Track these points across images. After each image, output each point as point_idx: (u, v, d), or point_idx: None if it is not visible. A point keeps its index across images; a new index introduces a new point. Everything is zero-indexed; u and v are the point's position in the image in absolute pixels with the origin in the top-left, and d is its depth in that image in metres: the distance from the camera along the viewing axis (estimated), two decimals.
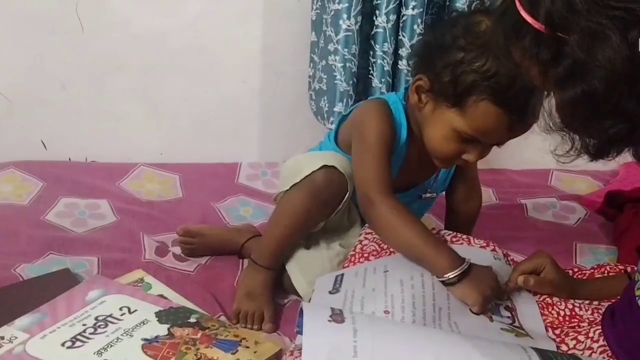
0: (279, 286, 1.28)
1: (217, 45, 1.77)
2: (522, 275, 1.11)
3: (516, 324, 1.05)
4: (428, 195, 1.33)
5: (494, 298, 1.08)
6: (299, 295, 1.26)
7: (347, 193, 1.22)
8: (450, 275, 1.07)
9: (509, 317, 1.07)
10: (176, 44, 1.78)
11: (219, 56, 1.72)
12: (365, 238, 1.25)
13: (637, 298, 0.92)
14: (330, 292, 1.11)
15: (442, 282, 1.09)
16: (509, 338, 0.99)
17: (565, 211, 1.74)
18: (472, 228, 1.41)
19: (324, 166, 1.20)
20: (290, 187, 1.22)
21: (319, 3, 1.66)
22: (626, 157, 1.99)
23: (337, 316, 0.90)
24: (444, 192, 1.40)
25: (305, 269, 1.26)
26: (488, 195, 1.81)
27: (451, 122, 1.13)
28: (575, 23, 0.70)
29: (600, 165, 1.95)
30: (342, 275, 1.16)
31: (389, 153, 1.20)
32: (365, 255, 1.21)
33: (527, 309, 1.09)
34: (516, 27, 0.76)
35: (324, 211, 1.23)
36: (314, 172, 1.19)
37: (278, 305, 1.26)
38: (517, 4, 0.75)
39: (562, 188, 1.89)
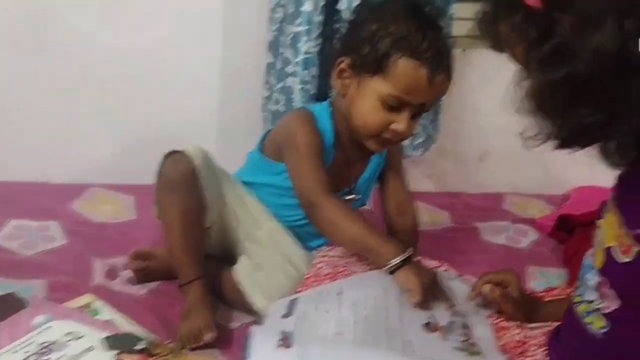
0: (229, 307, 1.28)
1: (177, 66, 1.76)
2: (488, 284, 1.12)
3: (471, 341, 1.05)
4: (352, 197, 1.35)
5: (432, 291, 1.12)
6: (252, 313, 1.25)
7: (199, 171, 1.23)
8: (395, 260, 1.13)
9: (463, 334, 1.07)
10: (136, 65, 1.77)
11: (178, 76, 1.72)
12: (320, 261, 1.25)
13: (575, 305, 0.94)
14: (282, 317, 1.10)
15: (388, 270, 1.13)
16: (462, 357, 0.99)
17: (518, 234, 1.77)
18: (416, 245, 1.41)
19: (167, 155, 1.24)
20: (156, 195, 1.25)
21: (277, 25, 1.66)
22: (578, 181, 2.03)
23: (285, 341, 0.90)
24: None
25: (262, 286, 1.26)
26: (444, 218, 1.83)
27: (376, 89, 1.19)
28: (574, 3, 0.70)
29: (553, 189, 2.00)
30: (296, 299, 1.15)
31: (320, 156, 1.25)
32: (321, 278, 1.20)
33: (482, 330, 1.09)
34: (510, 2, 0.76)
35: (189, 196, 1.23)
36: (159, 165, 1.24)
37: (227, 328, 1.25)
38: None
39: (516, 211, 1.92)
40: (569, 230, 1.71)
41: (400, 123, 1.20)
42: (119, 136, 1.84)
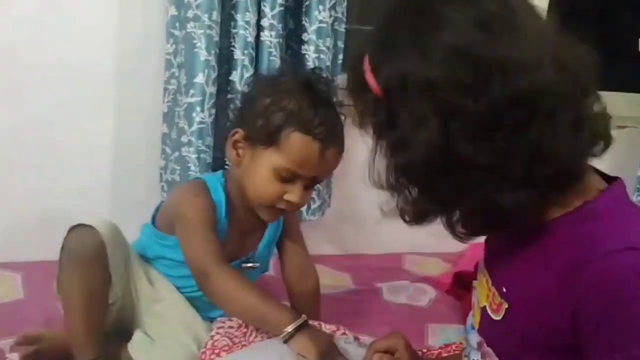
0: None
1: (68, 139, 1.72)
2: (377, 354, 1.12)
3: None
4: (250, 265, 1.35)
5: (329, 357, 1.11)
6: None
7: (106, 247, 1.20)
8: (289, 328, 1.12)
9: None
10: (25, 138, 1.72)
11: (69, 150, 1.68)
12: (217, 332, 1.23)
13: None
14: None
15: (283, 339, 1.12)
16: None
17: (418, 293, 1.81)
18: (318, 309, 1.43)
19: (72, 228, 1.20)
20: (59, 269, 1.21)
21: (171, 96, 1.68)
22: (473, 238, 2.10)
23: None
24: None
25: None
26: (345, 282, 1.85)
27: (269, 161, 1.21)
28: (405, 101, 0.74)
29: (449, 247, 2.06)
30: None
31: (211, 227, 1.25)
32: (217, 350, 1.18)
33: None
34: (361, 84, 0.79)
35: (95, 272, 1.20)
36: (65, 238, 1.20)
37: None
38: (366, 63, 0.78)
39: (415, 270, 1.96)
40: (465, 287, 1.76)
41: (293, 194, 1.22)
42: (4, 212, 1.76)
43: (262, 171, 1.22)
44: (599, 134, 0.77)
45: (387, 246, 2.06)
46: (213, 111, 1.65)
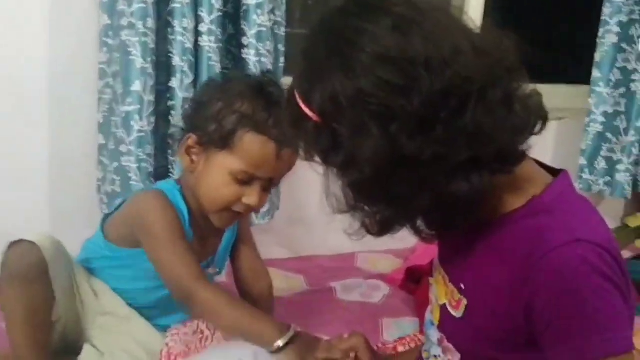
0: None
1: (0, 152, 1.67)
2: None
3: None
4: (210, 270, 1.34)
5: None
6: None
7: (48, 263, 1.17)
8: (280, 342, 1.10)
9: None
10: None
11: (2, 163, 1.64)
12: (172, 339, 1.21)
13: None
14: None
15: (272, 351, 1.10)
16: None
17: (371, 290, 1.81)
18: (272, 311, 1.42)
19: (12, 243, 1.17)
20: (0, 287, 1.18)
21: (106, 106, 1.65)
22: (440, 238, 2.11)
23: None
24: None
25: None
26: (299, 283, 1.84)
27: (224, 164, 1.19)
28: (342, 118, 0.75)
29: (400, 244, 2.08)
30: None
31: (182, 237, 1.22)
32: (173, 357, 1.16)
33: None
34: (299, 117, 0.80)
35: (37, 289, 1.17)
36: (4, 254, 1.17)
37: None
38: (297, 96, 0.80)
39: (367, 268, 1.97)
40: (417, 281, 1.78)
41: (251, 197, 1.21)
42: None
43: (218, 175, 1.21)
44: (532, 110, 0.79)
45: (339, 246, 2.06)
46: (152, 119, 1.63)
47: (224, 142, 1.19)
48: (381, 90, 0.73)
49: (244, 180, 1.20)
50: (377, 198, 0.79)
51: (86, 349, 1.25)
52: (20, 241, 1.17)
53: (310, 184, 2.13)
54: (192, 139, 1.23)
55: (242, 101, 1.19)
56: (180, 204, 1.26)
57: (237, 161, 1.19)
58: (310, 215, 2.06)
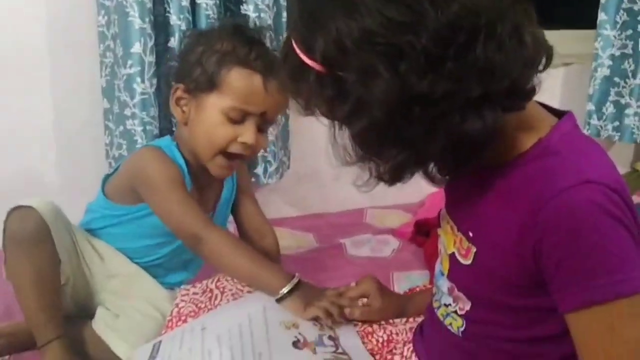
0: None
1: (4, 121, 1.67)
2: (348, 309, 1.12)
3: (339, 350, 1.06)
4: None
5: (322, 309, 1.11)
6: None
7: (49, 225, 1.19)
8: (284, 289, 1.12)
9: (332, 345, 1.07)
10: None
11: (8, 132, 1.64)
12: (182, 300, 1.22)
13: (435, 309, 0.97)
14: None
15: (277, 298, 1.13)
16: None
17: (381, 244, 1.82)
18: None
19: (12, 210, 1.19)
20: (5, 255, 1.20)
21: (108, 69, 1.63)
22: (431, 188, 2.14)
23: None
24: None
25: (124, 334, 1.21)
26: (308, 241, 1.85)
27: (215, 105, 1.20)
28: (349, 62, 0.73)
29: (408, 198, 2.08)
30: (160, 342, 1.11)
31: (184, 187, 1.24)
32: (183, 317, 1.17)
33: (349, 338, 1.10)
34: (300, 69, 0.77)
35: (41, 252, 1.18)
36: (5, 221, 1.19)
37: None
38: (296, 47, 0.77)
39: (376, 224, 1.98)
40: (426, 234, 1.79)
41: (246, 135, 1.21)
42: None
43: (210, 117, 1.21)
44: (541, 42, 0.77)
45: (347, 203, 2.07)
46: (154, 81, 1.62)
47: (211, 83, 1.19)
48: (387, 28, 0.71)
49: (237, 118, 1.20)
50: (389, 143, 0.76)
51: (100, 312, 1.27)
52: (19, 207, 1.19)
53: (317, 142, 2.14)
54: (179, 89, 1.24)
55: (221, 41, 1.20)
56: (177, 158, 1.27)
57: (226, 99, 1.19)
58: (318, 173, 2.06)
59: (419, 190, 2.05)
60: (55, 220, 1.20)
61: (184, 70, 1.24)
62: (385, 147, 0.77)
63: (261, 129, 1.24)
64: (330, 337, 1.10)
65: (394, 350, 1.07)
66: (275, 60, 1.21)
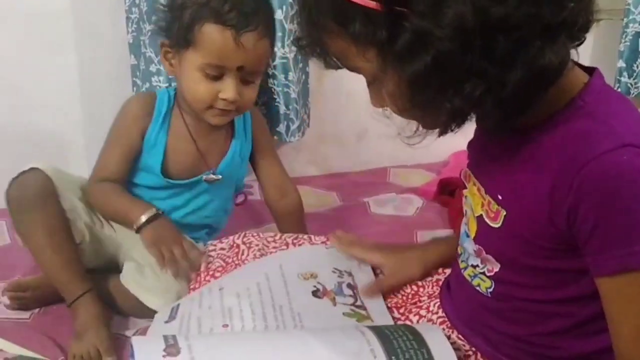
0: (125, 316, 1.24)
1: (30, 80, 1.68)
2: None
3: (358, 302, 1.06)
4: (212, 177, 1.34)
5: (170, 242, 1.22)
6: (150, 316, 1.19)
7: (54, 183, 1.22)
8: (143, 218, 1.24)
9: (351, 295, 1.07)
10: None
11: (33, 91, 1.65)
12: (209, 255, 1.23)
13: (461, 270, 0.97)
14: (165, 322, 1.07)
15: (136, 229, 1.24)
16: (351, 323, 1.00)
17: (405, 203, 1.82)
18: (304, 225, 1.44)
19: (14, 179, 1.23)
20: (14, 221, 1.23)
21: (134, 25, 1.63)
22: (454, 147, 2.12)
23: (171, 348, 0.84)
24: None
25: (152, 285, 1.23)
26: (331, 200, 1.86)
27: (192, 62, 1.21)
28: None
29: (431, 158, 2.07)
30: (178, 305, 1.12)
31: (122, 145, 1.30)
32: (211, 272, 1.18)
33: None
34: (341, 14, 0.73)
35: (51, 210, 1.21)
36: (7, 190, 1.22)
37: (123, 337, 1.20)
38: None
39: (400, 183, 1.98)
40: (450, 193, 1.78)
41: (226, 90, 1.21)
42: None
43: (189, 74, 1.22)
44: None
45: (370, 162, 2.07)
46: None
47: (187, 39, 1.20)
48: None
49: (215, 74, 1.21)
50: (464, 76, 0.70)
51: (127, 266, 1.28)
52: (21, 173, 1.22)
53: (339, 99, 2.13)
54: (165, 43, 1.25)
55: None
56: (162, 107, 1.30)
57: (201, 55, 1.19)
58: (341, 132, 2.05)
59: (443, 150, 2.04)
60: (60, 178, 1.23)
61: (167, 25, 1.25)
62: (453, 83, 0.71)
63: (246, 81, 1.24)
64: (349, 285, 1.09)
65: (419, 304, 1.07)
66: (254, 10, 1.20)
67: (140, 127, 1.30)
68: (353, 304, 1.05)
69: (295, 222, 1.42)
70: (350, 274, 1.11)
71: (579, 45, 0.76)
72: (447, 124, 0.77)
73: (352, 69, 0.80)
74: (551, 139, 0.78)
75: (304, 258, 1.16)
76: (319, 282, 1.08)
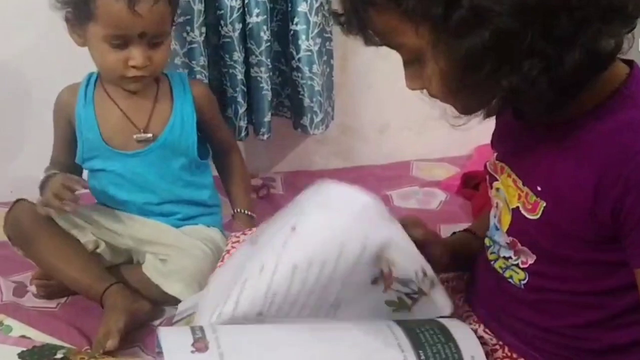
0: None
1: (60, 71, 1.68)
2: None
3: (414, 296, 0.93)
4: (142, 136, 1.33)
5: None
6: (174, 304, 1.22)
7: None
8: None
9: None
10: (13, 73, 1.70)
11: (63, 82, 1.66)
12: (232, 246, 1.22)
13: (491, 262, 0.96)
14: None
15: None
16: (385, 313, 0.93)
17: (428, 197, 1.82)
18: (248, 187, 1.52)
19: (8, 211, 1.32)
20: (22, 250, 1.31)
21: None
22: (478, 140, 2.10)
23: (199, 343, 0.82)
24: None
25: (174, 272, 1.26)
26: None
27: (95, 34, 1.23)
28: None
29: (455, 151, 2.06)
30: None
31: (57, 133, 1.37)
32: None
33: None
34: None
35: (45, 232, 1.26)
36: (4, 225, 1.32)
37: (151, 325, 1.22)
38: None
39: (423, 176, 1.97)
40: (474, 186, 1.77)
41: (134, 58, 1.23)
42: (6, 152, 1.78)
43: (96, 45, 1.24)
44: None
45: (392, 155, 2.06)
46: (203, 29, 1.61)
47: (87, 13, 1.21)
48: None
49: (118, 44, 1.22)
50: (515, 58, 0.69)
51: (148, 256, 1.32)
52: (10, 207, 1.31)
53: (361, 92, 2.12)
54: (69, 18, 1.25)
55: None
56: (84, 85, 1.34)
57: (101, 27, 1.21)
58: (363, 126, 2.05)
59: (466, 143, 2.03)
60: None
61: None
62: (509, 61, 0.70)
63: (153, 44, 1.25)
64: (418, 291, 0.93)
65: None
66: None
67: (67, 113, 1.34)
68: (408, 294, 0.93)
69: (240, 178, 1.46)
70: (432, 284, 0.94)
71: (628, 32, 0.74)
72: (499, 104, 0.76)
73: (394, 46, 0.79)
74: (596, 128, 0.77)
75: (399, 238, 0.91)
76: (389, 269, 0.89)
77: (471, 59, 0.71)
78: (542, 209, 0.82)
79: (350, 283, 0.87)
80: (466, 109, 0.80)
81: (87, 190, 1.31)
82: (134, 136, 1.32)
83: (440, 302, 0.94)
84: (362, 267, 0.87)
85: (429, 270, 0.91)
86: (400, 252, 0.89)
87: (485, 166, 0.98)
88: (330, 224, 0.86)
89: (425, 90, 0.82)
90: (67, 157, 1.36)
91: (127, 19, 1.19)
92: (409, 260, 0.91)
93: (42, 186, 1.28)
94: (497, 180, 0.94)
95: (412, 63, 0.80)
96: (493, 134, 0.98)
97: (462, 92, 0.76)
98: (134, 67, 1.23)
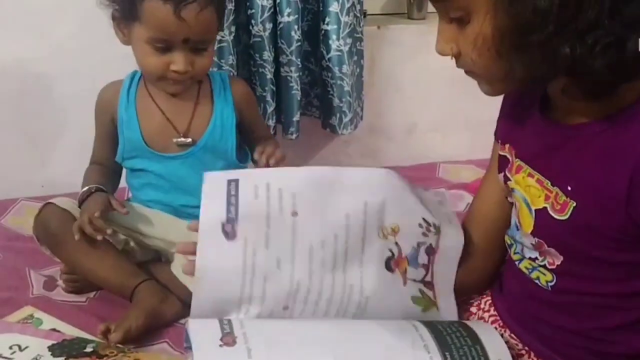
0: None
1: (91, 68, 1.71)
2: None
3: (428, 278, 0.97)
4: (181, 140, 1.33)
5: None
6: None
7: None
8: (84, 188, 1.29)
9: (424, 265, 0.97)
10: (46, 70, 1.72)
11: (94, 79, 1.68)
12: None
13: (516, 262, 0.95)
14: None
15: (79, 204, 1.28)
16: (414, 311, 0.95)
17: (455, 199, 1.79)
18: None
19: (37, 214, 1.32)
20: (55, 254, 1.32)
21: None
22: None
23: (227, 337, 0.84)
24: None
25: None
26: None
27: (140, 35, 1.23)
28: None
29: (482, 154, 2.04)
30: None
31: (99, 126, 1.37)
32: None
33: (445, 262, 0.99)
34: None
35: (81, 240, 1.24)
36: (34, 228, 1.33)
37: (177, 325, 1.22)
38: None
39: (449, 178, 1.95)
40: None
41: (176, 63, 1.23)
42: (38, 147, 1.81)
43: (139, 47, 1.24)
44: None
45: (419, 157, 2.05)
46: (233, 29, 1.62)
47: (133, 13, 1.22)
48: None
49: (162, 47, 1.22)
50: (582, 27, 0.69)
51: (177, 257, 1.31)
52: (39, 211, 1.32)
53: (388, 92, 2.11)
54: (116, 16, 1.26)
55: None
56: (127, 85, 1.34)
57: (145, 29, 1.21)
58: (390, 126, 2.04)
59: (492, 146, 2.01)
60: (75, 210, 1.28)
61: None
62: (570, 31, 0.70)
63: (197, 50, 1.25)
64: (428, 250, 0.97)
65: (470, 300, 1.06)
66: None
67: (109, 112, 1.34)
68: (423, 279, 0.97)
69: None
70: (437, 231, 0.97)
71: None
72: (547, 74, 0.75)
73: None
74: (630, 128, 0.76)
75: (393, 197, 0.95)
76: (396, 243, 0.94)
77: (537, 16, 0.70)
78: (571, 209, 0.82)
79: (368, 262, 0.92)
80: (509, 76, 0.78)
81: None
82: (174, 140, 1.33)
83: (454, 236, 0.99)
84: (370, 231, 0.92)
85: (430, 218, 0.95)
86: (398, 209, 0.94)
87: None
88: (330, 201, 0.92)
89: (453, 59, 0.81)
90: (108, 155, 1.37)
91: (172, 24, 1.19)
92: (407, 214, 0.95)
93: (81, 201, 1.28)
94: (510, 180, 0.93)
95: (452, 22, 0.79)
96: (508, 134, 0.97)
97: (510, 56, 0.75)
98: (175, 71, 1.24)
